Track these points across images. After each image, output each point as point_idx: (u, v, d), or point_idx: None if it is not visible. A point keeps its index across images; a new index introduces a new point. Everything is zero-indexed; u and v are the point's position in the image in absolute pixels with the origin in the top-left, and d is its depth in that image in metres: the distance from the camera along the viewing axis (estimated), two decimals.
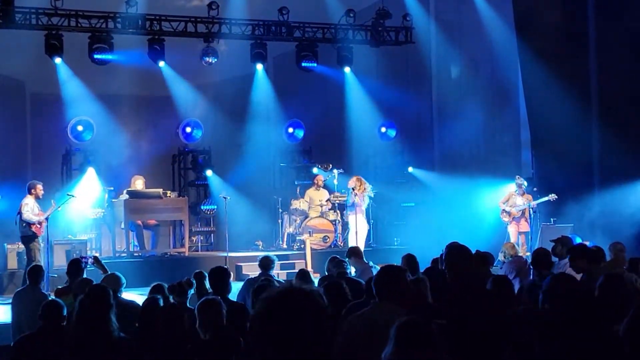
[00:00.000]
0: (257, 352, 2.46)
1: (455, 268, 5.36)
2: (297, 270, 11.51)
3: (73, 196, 12.52)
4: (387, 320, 4.39)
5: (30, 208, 11.48)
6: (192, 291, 6.80)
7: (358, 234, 13.28)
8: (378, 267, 8.90)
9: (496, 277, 5.76)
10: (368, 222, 14.31)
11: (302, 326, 2.41)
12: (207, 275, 6.98)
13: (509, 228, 13.19)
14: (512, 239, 12.83)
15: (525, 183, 13.21)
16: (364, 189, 13.58)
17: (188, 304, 6.40)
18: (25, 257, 12.24)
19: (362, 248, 10.85)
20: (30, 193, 11.69)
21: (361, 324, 4.50)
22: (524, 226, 13.12)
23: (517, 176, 13.34)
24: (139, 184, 14.20)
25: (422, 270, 8.22)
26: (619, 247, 8.46)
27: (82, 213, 13.68)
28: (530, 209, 12.99)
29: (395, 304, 4.56)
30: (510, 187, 13.42)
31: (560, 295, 4.17)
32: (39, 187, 11.86)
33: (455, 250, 5.51)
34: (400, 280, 4.65)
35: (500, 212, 13.30)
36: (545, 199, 12.85)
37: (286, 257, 13.55)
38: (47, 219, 11.63)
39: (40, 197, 11.78)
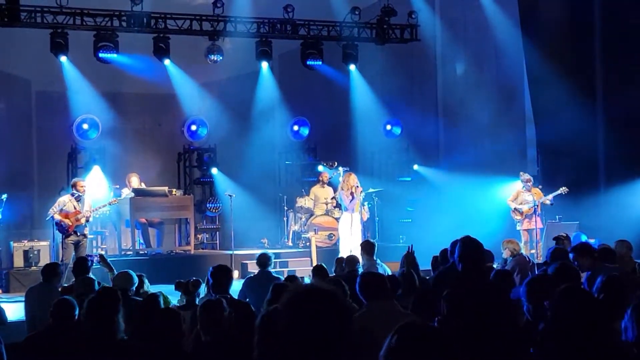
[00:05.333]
0: (282, 349, 2.45)
1: (471, 261, 5.33)
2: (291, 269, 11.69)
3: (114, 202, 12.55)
4: (383, 320, 4.41)
5: (56, 205, 11.40)
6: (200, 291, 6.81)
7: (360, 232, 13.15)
8: (384, 265, 8.95)
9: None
10: (373, 218, 14.29)
11: (324, 325, 2.40)
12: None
13: (521, 226, 12.78)
14: (524, 238, 12.58)
15: (531, 179, 12.96)
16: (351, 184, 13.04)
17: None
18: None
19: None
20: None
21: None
22: (537, 222, 12.69)
23: (521, 172, 13.12)
24: (134, 181, 14.07)
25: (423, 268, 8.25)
26: (626, 245, 8.43)
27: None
28: (549, 203, 12.70)
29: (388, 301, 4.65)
30: (517, 185, 13.20)
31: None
32: (79, 183, 11.69)
33: (471, 243, 5.48)
34: (385, 280, 4.96)
35: (510, 210, 12.95)
36: (558, 192, 12.61)
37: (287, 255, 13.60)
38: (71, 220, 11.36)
39: (82, 193, 11.56)
